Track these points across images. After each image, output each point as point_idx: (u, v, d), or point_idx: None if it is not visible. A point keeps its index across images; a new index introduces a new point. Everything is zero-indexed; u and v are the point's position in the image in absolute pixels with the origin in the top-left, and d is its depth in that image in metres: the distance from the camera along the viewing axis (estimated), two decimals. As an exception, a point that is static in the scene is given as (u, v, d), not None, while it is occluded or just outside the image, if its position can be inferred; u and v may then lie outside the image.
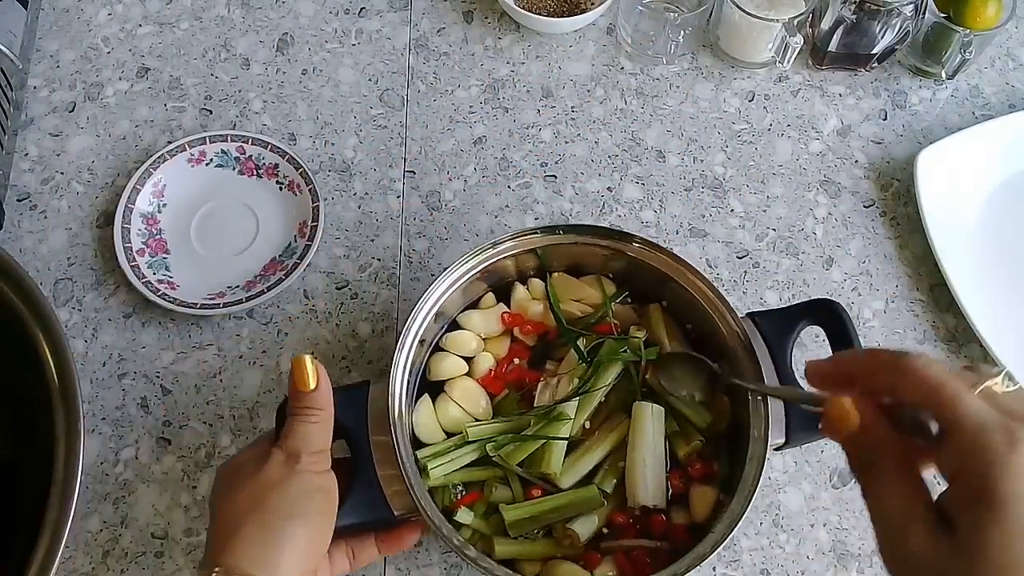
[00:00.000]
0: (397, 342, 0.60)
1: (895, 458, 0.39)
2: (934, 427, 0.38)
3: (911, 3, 0.75)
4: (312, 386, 0.51)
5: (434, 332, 0.65)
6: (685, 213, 0.77)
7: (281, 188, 0.77)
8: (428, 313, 0.62)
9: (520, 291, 0.67)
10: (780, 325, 0.61)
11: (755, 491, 0.55)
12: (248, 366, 0.71)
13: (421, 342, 0.62)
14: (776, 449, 0.58)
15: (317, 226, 0.73)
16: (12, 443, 0.62)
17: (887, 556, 0.38)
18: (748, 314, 0.62)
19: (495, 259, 0.64)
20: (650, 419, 0.61)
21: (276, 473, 0.49)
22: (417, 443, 0.61)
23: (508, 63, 0.84)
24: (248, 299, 0.71)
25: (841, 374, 0.42)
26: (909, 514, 0.37)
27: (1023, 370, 0.68)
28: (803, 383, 0.59)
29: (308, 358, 0.51)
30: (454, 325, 0.67)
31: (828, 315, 0.60)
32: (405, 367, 0.60)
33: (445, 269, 0.63)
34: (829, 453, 0.68)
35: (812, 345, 0.71)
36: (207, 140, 0.77)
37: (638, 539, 0.59)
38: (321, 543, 0.50)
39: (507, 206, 0.77)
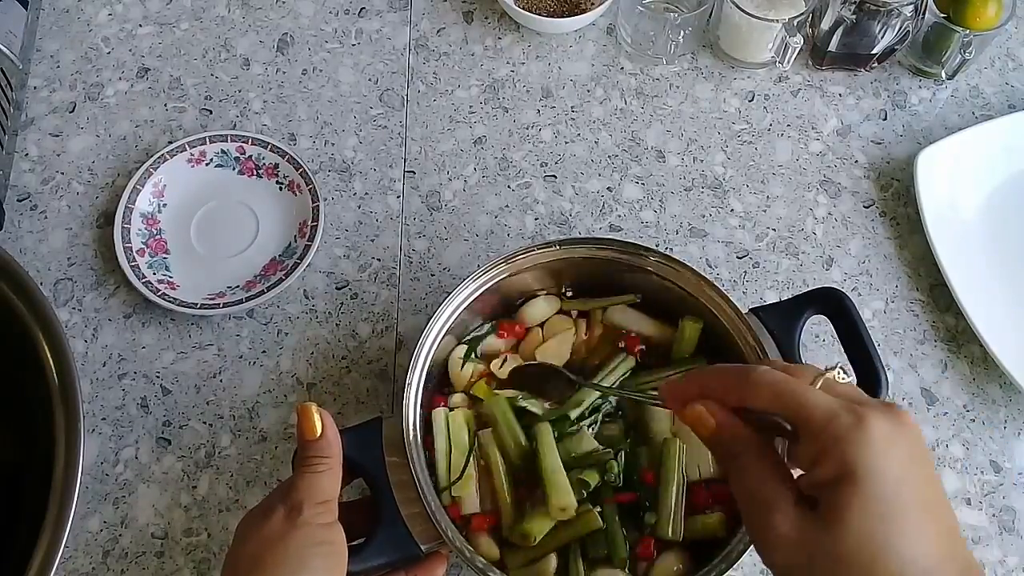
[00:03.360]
0: (407, 374, 0.59)
1: (755, 447, 0.42)
2: (788, 425, 0.41)
3: (911, 3, 0.75)
4: (318, 433, 0.51)
5: (442, 359, 0.64)
6: (685, 213, 0.77)
7: (281, 188, 0.77)
8: (436, 338, 0.61)
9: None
10: (785, 318, 0.61)
11: None
12: (248, 366, 0.71)
13: (431, 369, 0.61)
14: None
15: (317, 226, 0.73)
16: (12, 443, 0.62)
17: (756, 537, 0.41)
18: (752, 310, 0.62)
19: (507, 274, 0.63)
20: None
21: (277, 529, 0.48)
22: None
23: (508, 63, 0.84)
24: (248, 299, 0.71)
25: (694, 393, 0.45)
26: (773, 496, 0.40)
27: (1023, 370, 0.68)
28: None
29: (313, 405, 0.51)
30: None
31: (832, 303, 0.60)
32: (416, 398, 0.59)
33: (455, 287, 0.62)
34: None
35: (813, 346, 0.71)
36: (207, 140, 0.77)
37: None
38: None
39: (507, 206, 0.77)
